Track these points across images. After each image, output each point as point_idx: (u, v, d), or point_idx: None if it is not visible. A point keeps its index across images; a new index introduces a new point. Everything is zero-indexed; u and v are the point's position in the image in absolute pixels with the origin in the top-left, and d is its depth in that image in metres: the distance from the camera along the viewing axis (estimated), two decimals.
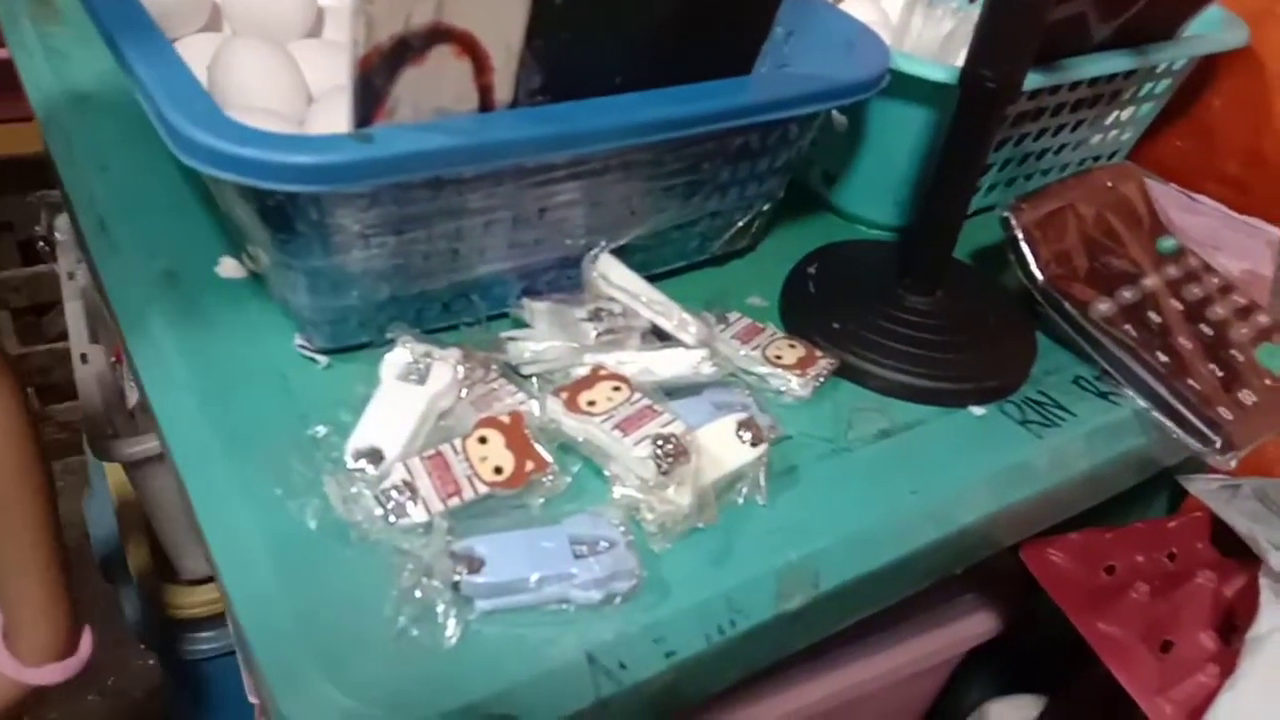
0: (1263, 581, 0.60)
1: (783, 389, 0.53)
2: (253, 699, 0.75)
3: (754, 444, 0.46)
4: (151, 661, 1.33)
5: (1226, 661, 0.55)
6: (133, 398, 0.99)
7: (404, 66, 0.41)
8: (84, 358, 1.00)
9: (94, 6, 0.49)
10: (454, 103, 0.44)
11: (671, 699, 0.43)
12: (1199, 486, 0.68)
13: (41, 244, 1.16)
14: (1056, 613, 0.62)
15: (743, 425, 0.46)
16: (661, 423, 0.45)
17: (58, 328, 1.49)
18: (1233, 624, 0.60)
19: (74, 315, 1.05)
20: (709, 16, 0.49)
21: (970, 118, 0.53)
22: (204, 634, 1.04)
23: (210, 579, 1.04)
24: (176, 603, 1.00)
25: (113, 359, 1.03)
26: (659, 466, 0.44)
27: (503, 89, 0.45)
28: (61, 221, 1.13)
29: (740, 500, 0.47)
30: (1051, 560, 0.65)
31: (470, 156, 0.43)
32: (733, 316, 0.57)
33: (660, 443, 0.44)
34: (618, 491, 0.45)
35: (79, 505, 1.38)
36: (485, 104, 0.45)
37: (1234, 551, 0.64)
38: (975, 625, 0.74)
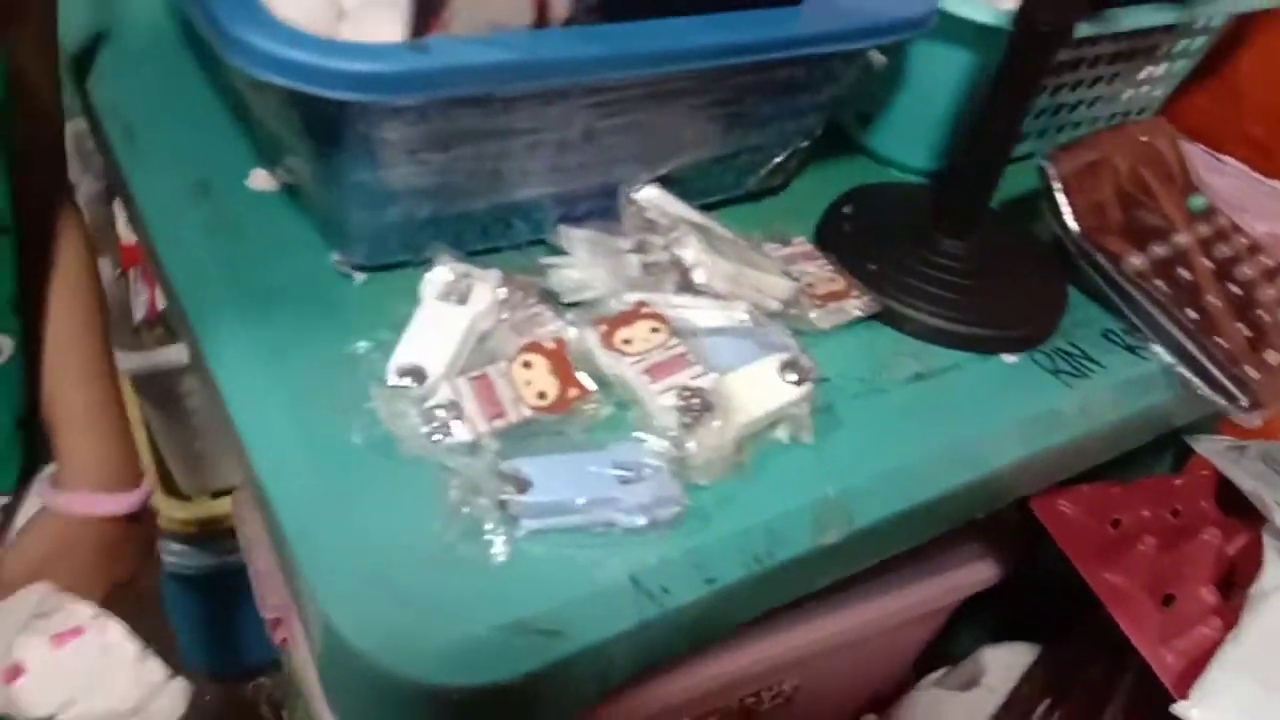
0: (1266, 540, 0.61)
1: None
2: (266, 614, 0.75)
3: (798, 383, 0.46)
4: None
5: (1228, 616, 0.56)
6: (139, 313, 0.98)
7: None
8: None
9: None
10: (510, 17, 0.43)
11: (706, 626, 0.43)
12: (1207, 446, 0.69)
13: None
14: (1057, 562, 0.63)
15: (786, 365, 0.46)
16: (692, 374, 0.45)
17: None
18: (1234, 580, 0.61)
19: None
20: None
21: (1020, 61, 0.52)
22: (203, 549, 1.05)
23: (214, 495, 1.04)
24: (179, 518, 1.00)
25: (118, 271, 1.02)
26: (683, 420, 0.44)
27: (559, 5, 0.44)
28: (67, 129, 1.10)
29: (784, 438, 0.47)
30: (1061, 511, 0.65)
31: (526, 72, 0.42)
32: (795, 240, 0.56)
33: (687, 395, 0.44)
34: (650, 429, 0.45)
35: None
36: (541, 20, 0.44)
37: (1238, 511, 0.66)
38: (975, 573, 0.75)
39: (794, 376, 0.46)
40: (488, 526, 0.40)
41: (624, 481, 0.42)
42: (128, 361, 0.88)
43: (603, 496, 0.41)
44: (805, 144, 0.61)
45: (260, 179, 0.56)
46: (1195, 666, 0.56)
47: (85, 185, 1.05)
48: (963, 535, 0.75)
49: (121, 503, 0.60)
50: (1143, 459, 0.71)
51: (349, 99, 0.40)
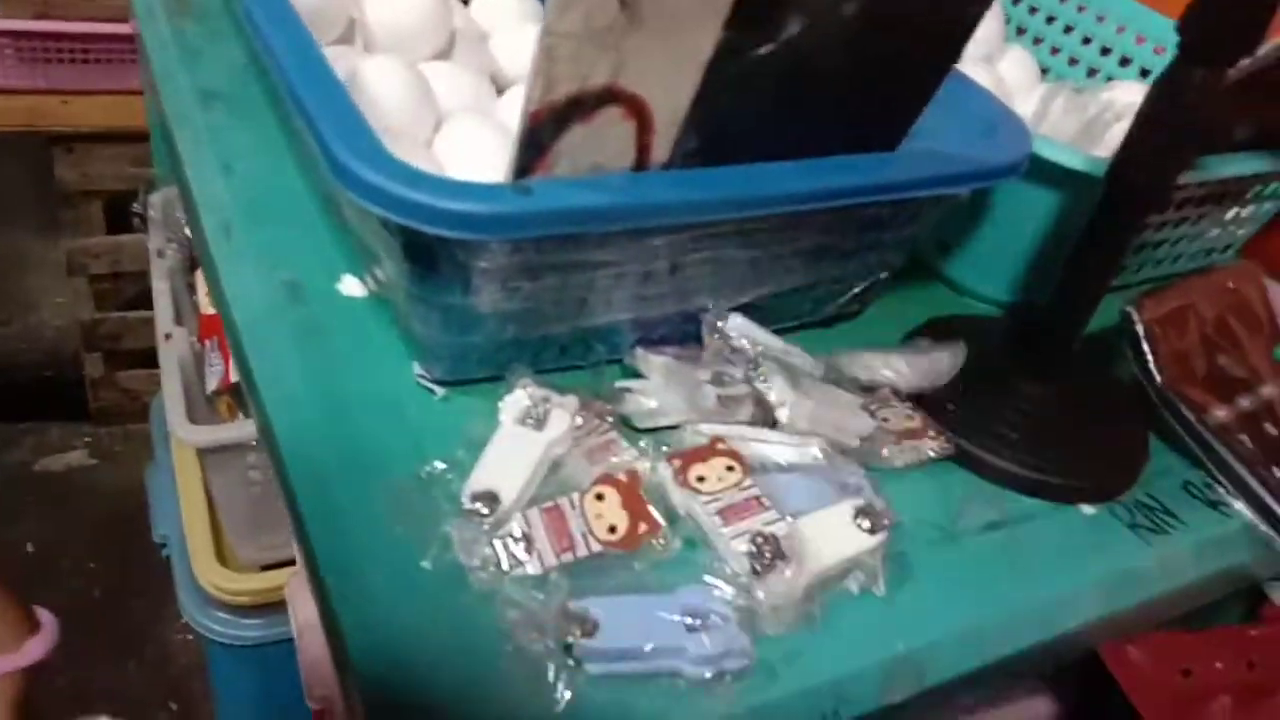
0: None
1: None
2: (311, 703, 0.75)
3: (872, 532, 0.45)
4: (190, 637, 1.35)
5: None
6: (212, 383, 1.00)
7: (572, 123, 0.41)
8: (167, 337, 1.01)
9: (251, 11, 0.50)
10: (613, 160, 0.44)
11: None
12: None
13: (136, 219, 1.18)
14: (1124, 711, 0.60)
15: (860, 512, 0.46)
16: (765, 520, 0.45)
17: (129, 294, 1.51)
18: None
19: (161, 294, 1.06)
20: (872, 93, 0.48)
21: (1113, 214, 0.52)
22: (252, 620, 1.05)
23: (266, 567, 1.05)
24: (232, 589, 1.00)
25: (195, 340, 1.04)
26: (754, 567, 0.43)
27: (660, 149, 0.45)
28: (155, 198, 1.14)
29: (855, 588, 0.46)
30: (1130, 658, 0.63)
31: (623, 215, 0.43)
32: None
33: (759, 541, 0.44)
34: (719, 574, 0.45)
35: (139, 473, 1.40)
36: (641, 163, 0.45)
37: None
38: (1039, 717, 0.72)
39: (868, 524, 0.45)
40: (551, 668, 0.40)
41: (692, 630, 0.41)
42: (198, 434, 0.90)
43: (670, 645, 0.41)
44: (885, 275, 0.61)
45: (350, 285, 0.57)
46: None
47: (170, 254, 1.09)
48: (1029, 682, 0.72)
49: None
50: (1214, 606, 0.68)
51: (452, 237, 0.41)
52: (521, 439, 0.47)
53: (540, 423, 0.48)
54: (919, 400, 0.56)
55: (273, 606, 1.03)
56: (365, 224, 0.49)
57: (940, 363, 0.57)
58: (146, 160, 1.26)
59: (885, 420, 0.54)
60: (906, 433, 0.54)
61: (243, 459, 0.94)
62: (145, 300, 1.14)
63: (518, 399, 0.49)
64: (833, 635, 0.44)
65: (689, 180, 0.45)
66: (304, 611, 0.79)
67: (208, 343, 1.02)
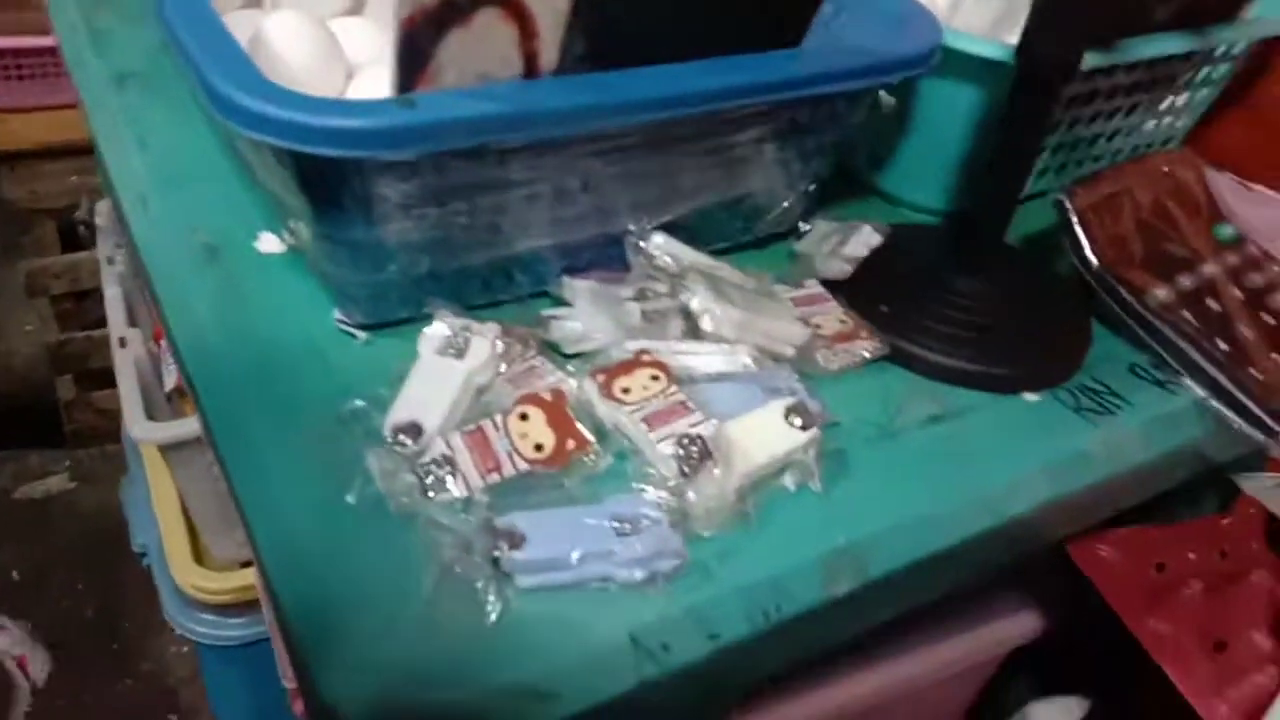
0: None
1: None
2: (286, 683, 0.74)
3: (804, 428, 0.45)
4: (185, 649, 1.34)
5: None
6: (170, 381, 0.99)
7: (450, 28, 0.40)
8: (122, 341, 1.01)
9: None
10: (499, 69, 0.43)
11: (714, 684, 0.42)
12: (1253, 484, 0.66)
13: (82, 228, 1.17)
14: (1103, 612, 0.60)
15: (792, 410, 0.45)
16: (691, 421, 0.44)
17: (96, 314, 1.50)
18: None
19: (113, 300, 1.06)
20: None
21: (1025, 97, 0.51)
22: (237, 620, 1.04)
23: (245, 564, 1.04)
24: (211, 588, 1.00)
25: (151, 342, 1.04)
26: (682, 469, 0.42)
27: (548, 55, 0.44)
28: (102, 206, 1.13)
29: (791, 486, 0.45)
30: (1101, 556, 0.63)
31: (515, 124, 0.42)
32: (807, 282, 0.56)
33: (685, 443, 0.43)
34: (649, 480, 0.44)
35: (114, 491, 1.39)
36: (530, 70, 0.44)
37: None
38: (1019, 625, 0.72)
39: (800, 421, 0.45)
40: (480, 585, 0.39)
41: (621, 535, 0.40)
42: (155, 431, 0.89)
43: (599, 550, 0.40)
44: (813, 187, 0.60)
45: (269, 242, 0.56)
46: (1250, 717, 0.53)
47: (120, 259, 1.08)
48: (1006, 585, 0.72)
49: None
50: (1187, 499, 0.68)
51: (337, 155, 0.40)
52: (442, 369, 0.47)
53: (461, 352, 0.47)
54: (852, 303, 0.55)
55: (257, 604, 1.02)
56: (266, 164, 0.48)
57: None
58: (92, 172, 1.25)
59: (818, 326, 0.53)
60: (839, 336, 0.53)
61: (205, 454, 0.93)
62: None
63: (436, 330, 0.48)
64: (770, 532, 0.43)
65: (580, 85, 0.44)
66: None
67: (162, 342, 1.01)
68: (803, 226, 0.62)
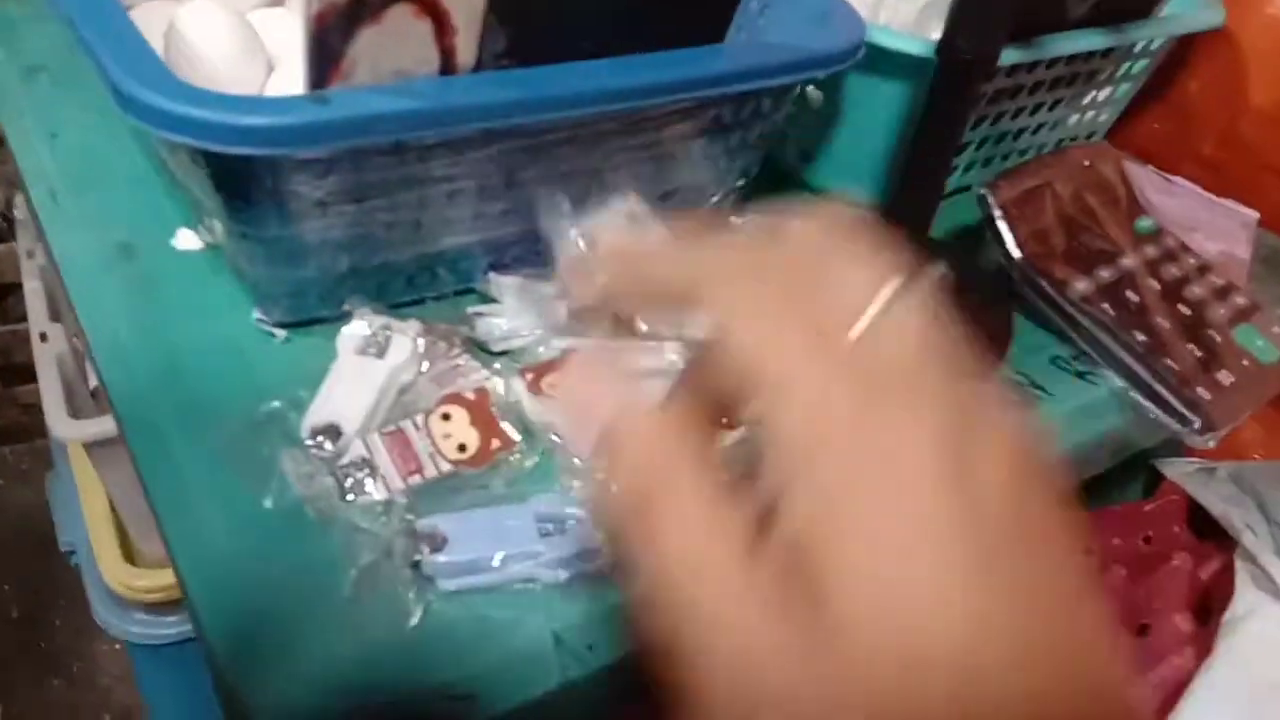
0: (1238, 564, 0.59)
1: None
2: None
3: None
4: (118, 646, 1.31)
5: (1202, 644, 0.55)
6: (94, 377, 0.97)
7: (361, 25, 0.39)
8: (44, 336, 0.98)
9: None
10: (414, 65, 0.42)
11: (640, 684, 0.42)
12: (1175, 469, 0.68)
13: (1, 221, 1.14)
14: None
15: None
16: None
17: (17, 310, 1.45)
18: (1208, 606, 0.60)
19: (33, 294, 1.03)
20: None
21: (946, 92, 0.52)
22: (169, 618, 1.03)
23: None
24: (141, 586, 0.98)
25: (74, 337, 1.01)
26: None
27: (466, 52, 0.43)
28: (21, 199, 1.10)
29: None
30: None
31: (431, 120, 0.42)
32: None
33: None
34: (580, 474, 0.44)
35: (42, 489, 1.35)
36: (447, 67, 0.43)
37: (1210, 535, 0.64)
38: None
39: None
40: (400, 589, 0.39)
41: (545, 535, 0.40)
42: (77, 429, 0.87)
43: (522, 551, 0.40)
44: (741, 183, 0.61)
45: (186, 239, 0.55)
46: (1171, 698, 0.55)
47: (39, 253, 1.05)
48: None
49: None
50: (1116, 482, 0.69)
51: (249, 154, 0.39)
52: (362, 369, 0.46)
53: (382, 351, 0.47)
54: None
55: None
56: (180, 162, 0.47)
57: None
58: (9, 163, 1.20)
59: None
60: None
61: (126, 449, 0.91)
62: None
63: (356, 329, 0.47)
64: None
65: (497, 81, 0.43)
66: None
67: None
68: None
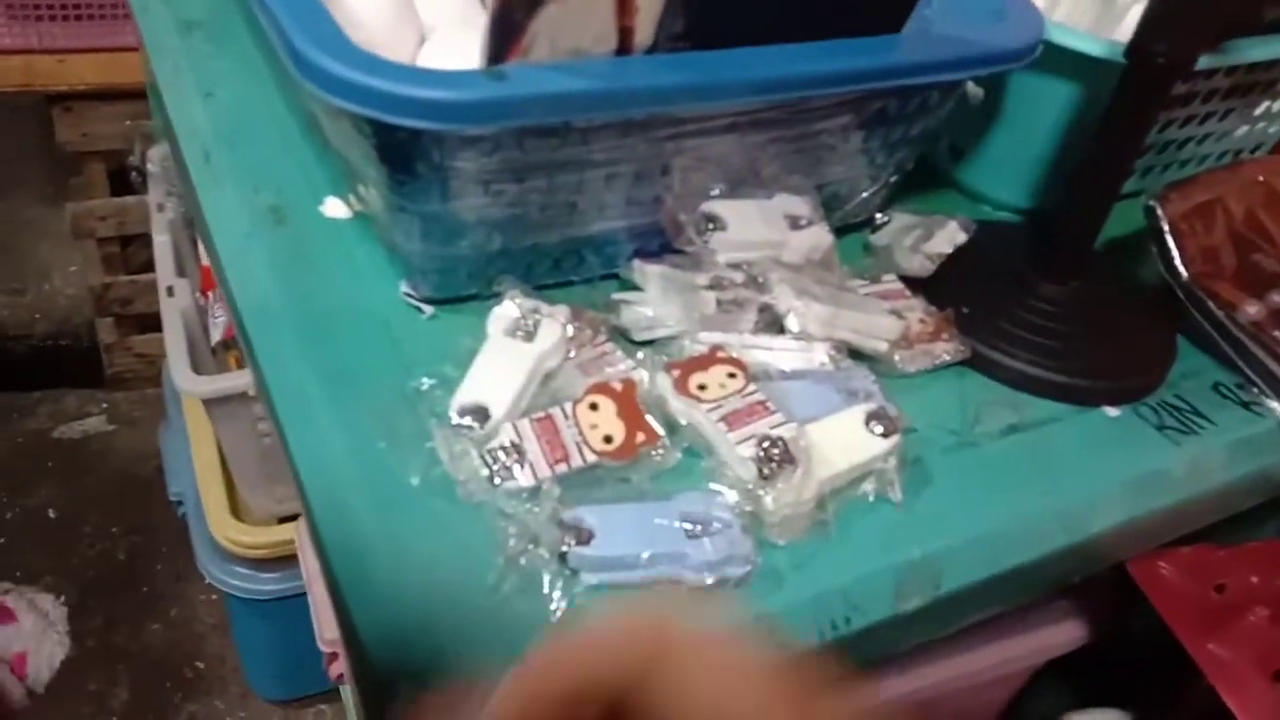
0: None
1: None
2: (323, 646, 0.74)
3: (885, 435, 0.43)
4: (215, 596, 1.35)
5: None
6: (216, 334, 0.99)
7: (546, 1, 0.38)
8: (170, 291, 1.00)
9: None
10: (592, 44, 0.41)
11: None
12: None
13: (134, 174, 1.16)
14: (1150, 627, 0.58)
15: (873, 416, 0.43)
16: (771, 423, 0.43)
17: (140, 259, 1.50)
18: None
19: (162, 248, 1.05)
20: None
21: (1134, 97, 0.49)
22: (270, 574, 1.05)
23: (283, 520, 1.04)
24: (246, 542, 1.00)
25: (198, 294, 1.03)
26: (761, 471, 0.41)
27: (643, 32, 0.42)
28: (154, 153, 1.13)
29: (870, 495, 0.44)
30: (1161, 574, 0.61)
31: (606, 102, 0.41)
32: (885, 278, 0.54)
33: (766, 445, 0.41)
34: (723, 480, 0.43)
35: (154, 437, 1.39)
36: (624, 47, 0.42)
37: None
38: (1060, 634, 0.70)
39: (881, 428, 0.43)
40: (545, 579, 0.38)
41: (691, 536, 0.39)
42: (201, 385, 0.88)
43: (669, 551, 0.39)
44: (895, 179, 0.58)
45: (334, 206, 0.55)
46: None
47: (170, 207, 1.07)
48: (1050, 595, 0.70)
49: None
50: (1249, 519, 0.66)
51: (423, 128, 0.39)
52: (511, 351, 0.45)
53: (530, 334, 0.46)
54: (933, 303, 0.53)
55: (291, 559, 1.02)
56: (341, 133, 0.47)
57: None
58: (146, 116, 1.24)
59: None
60: (918, 337, 0.51)
61: (249, 409, 0.93)
62: (153, 263, 1.13)
63: (506, 310, 0.46)
64: (844, 542, 0.42)
65: (676, 64, 0.42)
66: (313, 558, 0.78)
67: (211, 295, 1.01)
68: (879, 218, 0.60)
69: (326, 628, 0.73)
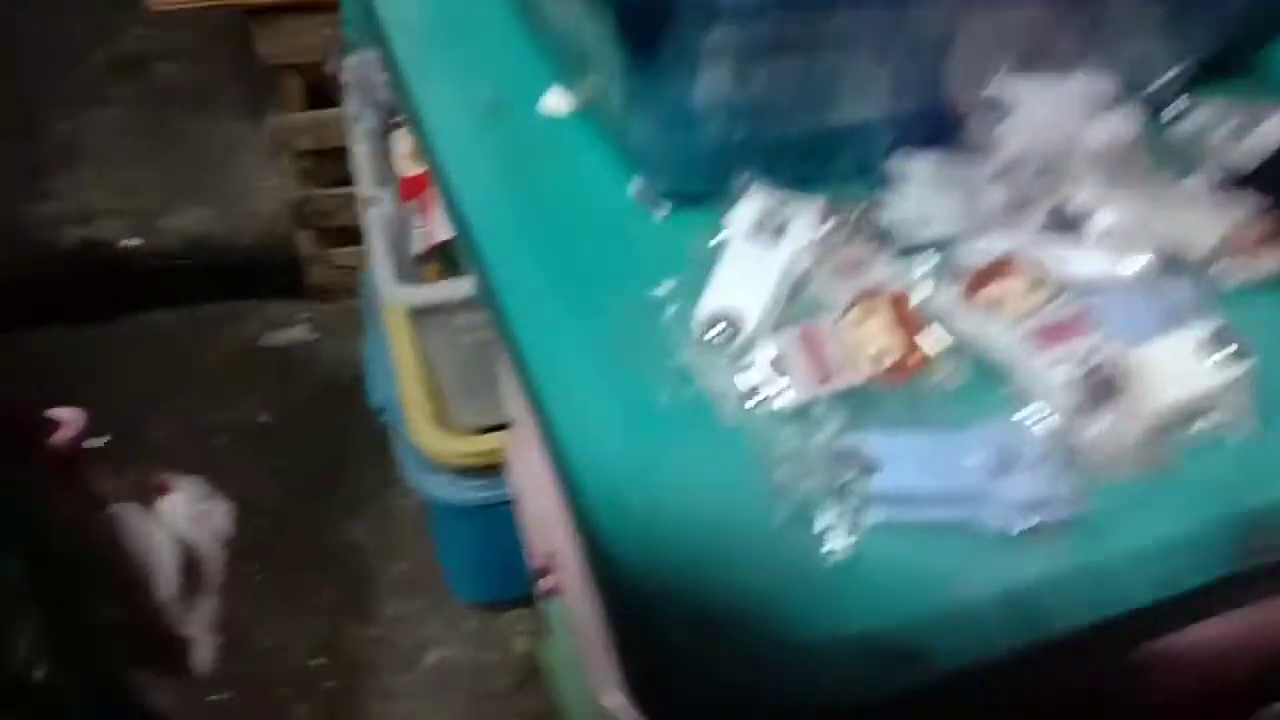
0: None
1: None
2: (534, 561, 0.73)
3: (1229, 362, 0.35)
4: (416, 501, 1.38)
5: None
6: (417, 246, 0.98)
7: None
8: (372, 201, 1.00)
9: None
10: None
11: (1094, 658, 0.35)
12: None
13: (334, 81, 1.16)
14: None
15: (1215, 337, 0.36)
16: (1090, 343, 0.36)
17: (338, 172, 1.52)
18: None
19: (361, 158, 1.05)
20: None
21: None
22: (473, 482, 1.05)
23: (486, 430, 1.03)
24: (451, 450, 1.00)
25: (397, 205, 1.02)
26: (1080, 400, 0.34)
27: None
28: (351, 62, 1.12)
29: (1206, 431, 0.36)
30: None
31: None
32: (1197, 174, 0.45)
33: (1088, 370, 0.34)
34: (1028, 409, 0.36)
35: (354, 346, 1.43)
36: None
37: None
38: None
39: (1222, 353, 0.35)
40: (822, 515, 0.33)
41: (994, 473, 0.33)
42: (406, 295, 0.88)
43: (969, 490, 0.33)
44: (1197, 59, 0.49)
45: (555, 101, 0.51)
46: None
47: (365, 118, 1.07)
48: None
49: None
50: None
51: None
52: (758, 254, 0.40)
53: (778, 234, 0.40)
54: (1263, 200, 0.44)
55: (493, 468, 1.02)
56: (571, 15, 0.42)
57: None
58: (341, 26, 1.23)
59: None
60: (1241, 243, 0.43)
61: (452, 320, 0.91)
62: (350, 177, 1.13)
63: (750, 208, 0.41)
64: (1180, 486, 0.35)
65: None
66: (523, 471, 0.76)
67: (413, 203, 1.00)
68: (1178, 106, 0.51)
69: (540, 540, 0.71)
